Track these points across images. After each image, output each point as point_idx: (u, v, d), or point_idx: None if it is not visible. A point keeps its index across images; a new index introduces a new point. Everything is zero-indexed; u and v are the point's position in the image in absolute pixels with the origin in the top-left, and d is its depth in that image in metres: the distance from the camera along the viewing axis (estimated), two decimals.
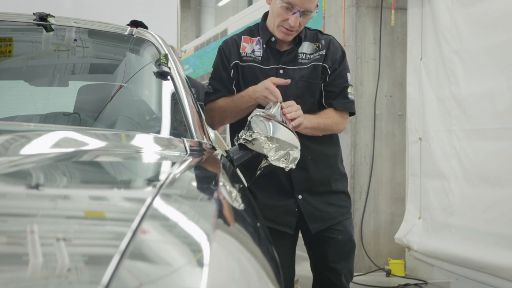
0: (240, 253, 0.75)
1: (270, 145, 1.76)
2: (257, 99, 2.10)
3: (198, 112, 1.83)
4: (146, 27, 2.07)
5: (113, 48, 2.14)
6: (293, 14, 2.10)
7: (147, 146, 1.42)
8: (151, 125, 1.81)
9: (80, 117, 1.79)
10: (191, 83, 3.78)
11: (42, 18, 1.92)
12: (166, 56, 1.84)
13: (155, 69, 1.82)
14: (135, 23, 2.06)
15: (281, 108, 1.94)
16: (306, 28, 2.25)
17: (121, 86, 1.94)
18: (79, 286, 0.55)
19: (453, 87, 3.98)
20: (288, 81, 2.10)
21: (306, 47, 2.23)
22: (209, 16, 17.00)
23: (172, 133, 1.64)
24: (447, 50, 4.03)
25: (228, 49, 2.25)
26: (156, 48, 1.92)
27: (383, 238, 4.63)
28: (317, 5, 2.15)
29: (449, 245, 3.93)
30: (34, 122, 1.76)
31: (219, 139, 3.73)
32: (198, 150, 1.53)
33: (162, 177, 1.04)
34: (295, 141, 1.80)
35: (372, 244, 4.60)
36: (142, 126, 1.79)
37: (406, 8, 4.53)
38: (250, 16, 6.50)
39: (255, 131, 1.76)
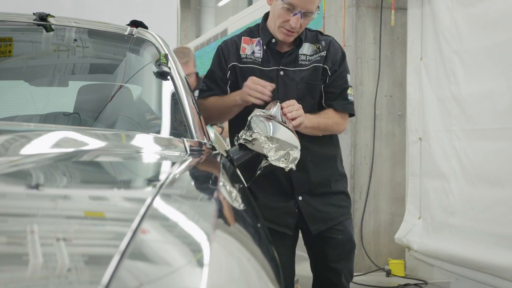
0: (240, 253, 0.75)
1: (270, 145, 1.76)
2: (241, 98, 2.10)
3: (198, 112, 1.83)
4: (146, 27, 2.07)
5: (113, 48, 2.14)
6: (294, 15, 2.09)
7: (147, 146, 1.42)
8: (151, 125, 1.81)
9: (80, 117, 1.79)
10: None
11: (42, 18, 1.91)
12: (166, 56, 1.84)
13: (155, 69, 1.82)
14: (135, 23, 2.06)
15: (281, 108, 1.94)
16: (306, 29, 2.24)
17: (121, 86, 1.94)
18: (79, 286, 0.55)
19: (453, 87, 3.98)
20: (273, 85, 2.10)
21: (306, 49, 2.23)
22: (209, 16, 17.00)
23: (172, 133, 1.64)
24: (447, 50, 4.03)
25: (227, 49, 2.25)
26: (156, 48, 1.92)
27: (383, 238, 4.63)
28: (318, 6, 2.14)
29: (449, 245, 3.93)
30: (34, 122, 1.76)
31: (219, 139, 3.73)
32: (198, 150, 1.53)
33: (162, 177, 1.04)
34: (295, 141, 1.80)
35: (372, 244, 4.60)
36: (142, 126, 1.79)
37: (406, 8, 4.53)
38: (250, 16, 6.50)
39: (255, 131, 1.76)
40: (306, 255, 2.37)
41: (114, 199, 0.89)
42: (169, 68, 1.81)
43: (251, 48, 2.23)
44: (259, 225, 1.03)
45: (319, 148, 2.24)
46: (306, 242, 2.33)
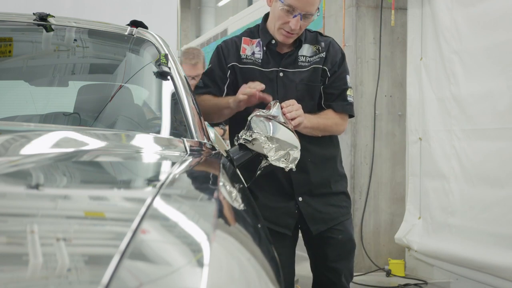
0: (240, 253, 0.75)
1: (270, 145, 1.76)
2: (234, 100, 2.10)
3: (198, 112, 1.83)
4: (146, 27, 2.06)
5: (113, 48, 2.14)
6: (294, 17, 2.08)
7: (147, 146, 1.42)
8: (151, 125, 1.81)
9: (80, 117, 1.79)
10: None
11: (42, 18, 1.91)
12: (166, 56, 1.84)
13: (155, 69, 1.82)
14: (135, 23, 2.06)
15: (281, 108, 1.94)
16: (306, 30, 2.23)
17: (121, 86, 1.94)
18: (79, 286, 0.55)
19: (453, 87, 3.98)
20: (263, 86, 2.10)
21: (306, 50, 2.23)
22: (209, 16, 17.01)
23: (172, 133, 1.64)
24: (447, 50, 4.03)
25: (227, 49, 2.25)
26: (156, 48, 1.92)
27: (383, 238, 4.63)
28: (318, 8, 2.14)
29: (449, 245, 3.93)
30: (34, 122, 1.76)
31: (219, 139, 3.73)
32: (198, 150, 1.53)
33: (162, 177, 1.04)
34: (295, 141, 1.80)
35: (372, 244, 4.60)
36: (142, 126, 1.79)
37: (406, 8, 4.53)
38: (250, 16, 6.50)
39: (255, 131, 1.76)
40: (306, 255, 2.37)
41: (114, 199, 0.89)
42: (169, 68, 1.81)
43: (251, 49, 2.23)
44: (259, 225, 1.03)
45: (319, 149, 2.24)
46: (306, 242, 2.34)
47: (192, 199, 0.96)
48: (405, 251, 4.55)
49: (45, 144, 1.17)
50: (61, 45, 2.01)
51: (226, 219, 0.88)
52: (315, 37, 2.26)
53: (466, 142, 3.85)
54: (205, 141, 1.68)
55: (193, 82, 3.34)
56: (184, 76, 1.95)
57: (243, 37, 2.26)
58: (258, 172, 1.88)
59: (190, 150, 1.42)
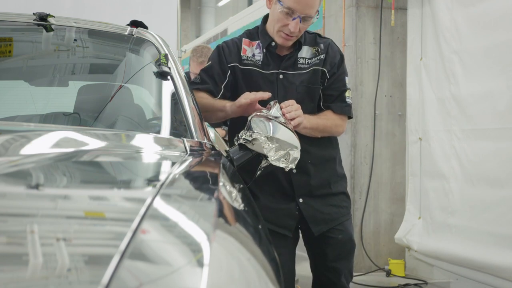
0: (240, 253, 0.75)
1: (270, 145, 1.76)
2: (232, 104, 2.09)
3: (198, 112, 1.83)
4: (146, 27, 2.06)
5: (113, 48, 2.14)
6: (293, 19, 2.08)
7: (147, 146, 1.42)
8: (151, 125, 1.81)
9: (80, 117, 1.79)
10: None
11: (42, 18, 1.91)
12: (166, 56, 1.84)
13: (155, 69, 1.82)
14: (135, 23, 2.06)
15: (280, 108, 1.94)
16: (305, 31, 2.23)
17: (121, 86, 1.94)
18: (79, 286, 0.55)
19: (453, 87, 3.98)
20: (269, 94, 2.09)
21: (305, 52, 2.22)
22: (209, 16, 17.00)
23: (172, 133, 1.64)
24: (447, 50, 4.03)
25: (229, 49, 2.24)
26: (156, 48, 1.92)
27: (383, 238, 4.63)
28: (318, 11, 2.13)
29: (449, 245, 3.93)
30: (34, 122, 1.76)
31: (219, 139, 3.73)
32: (198, 150, 1.53)
33: (162, 177, 1.04)
34: (295, 141, 1.80)
35: (372, 244, 4.60)
36: (142, 126, 1.79)
37: (406, 8, 4.53)
38: (250, 16, 6.50)
39: (255, 131, 1.76)
40: (306, 255, 2.37)
41: (114, 199, 0.89)
42: (169, 68, 1.81)
43: (252, 51, 2.23)
44: (260, 226, 1.03)
45: (319, 151, 2.24)
46: (306, 242, 2.34)
47: (192, 199, 0.96)
48: (405, 251, 4.55)
49: (45, 144, 1.17)
50: (61, 45, 2.01)
51: (226, 219, 0.88)
52: (314, 39, 2.26)
53: (466, 142, 3.85)
54: (205, 141, 1.68)
55: None
56: (184, 76, 1.95)
57: (243, 39, 2.26)
58: (258, 172, 1.88)
59: (190, 150, 1.42)
